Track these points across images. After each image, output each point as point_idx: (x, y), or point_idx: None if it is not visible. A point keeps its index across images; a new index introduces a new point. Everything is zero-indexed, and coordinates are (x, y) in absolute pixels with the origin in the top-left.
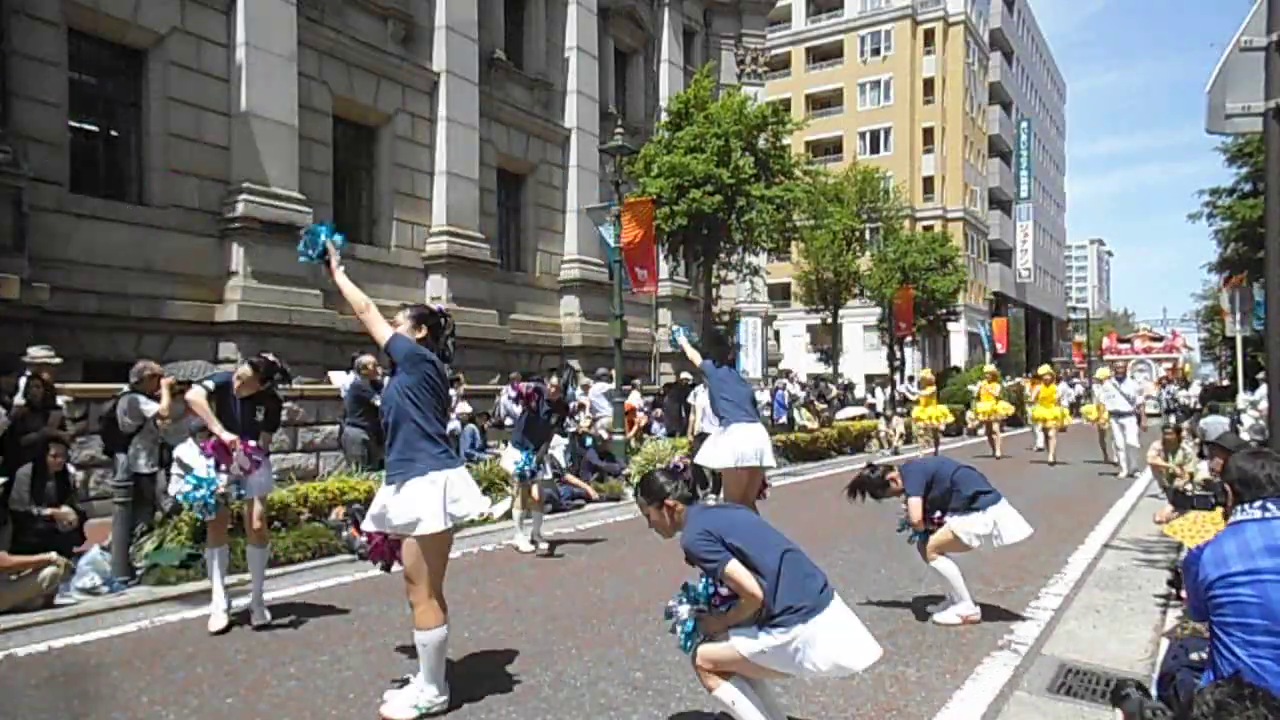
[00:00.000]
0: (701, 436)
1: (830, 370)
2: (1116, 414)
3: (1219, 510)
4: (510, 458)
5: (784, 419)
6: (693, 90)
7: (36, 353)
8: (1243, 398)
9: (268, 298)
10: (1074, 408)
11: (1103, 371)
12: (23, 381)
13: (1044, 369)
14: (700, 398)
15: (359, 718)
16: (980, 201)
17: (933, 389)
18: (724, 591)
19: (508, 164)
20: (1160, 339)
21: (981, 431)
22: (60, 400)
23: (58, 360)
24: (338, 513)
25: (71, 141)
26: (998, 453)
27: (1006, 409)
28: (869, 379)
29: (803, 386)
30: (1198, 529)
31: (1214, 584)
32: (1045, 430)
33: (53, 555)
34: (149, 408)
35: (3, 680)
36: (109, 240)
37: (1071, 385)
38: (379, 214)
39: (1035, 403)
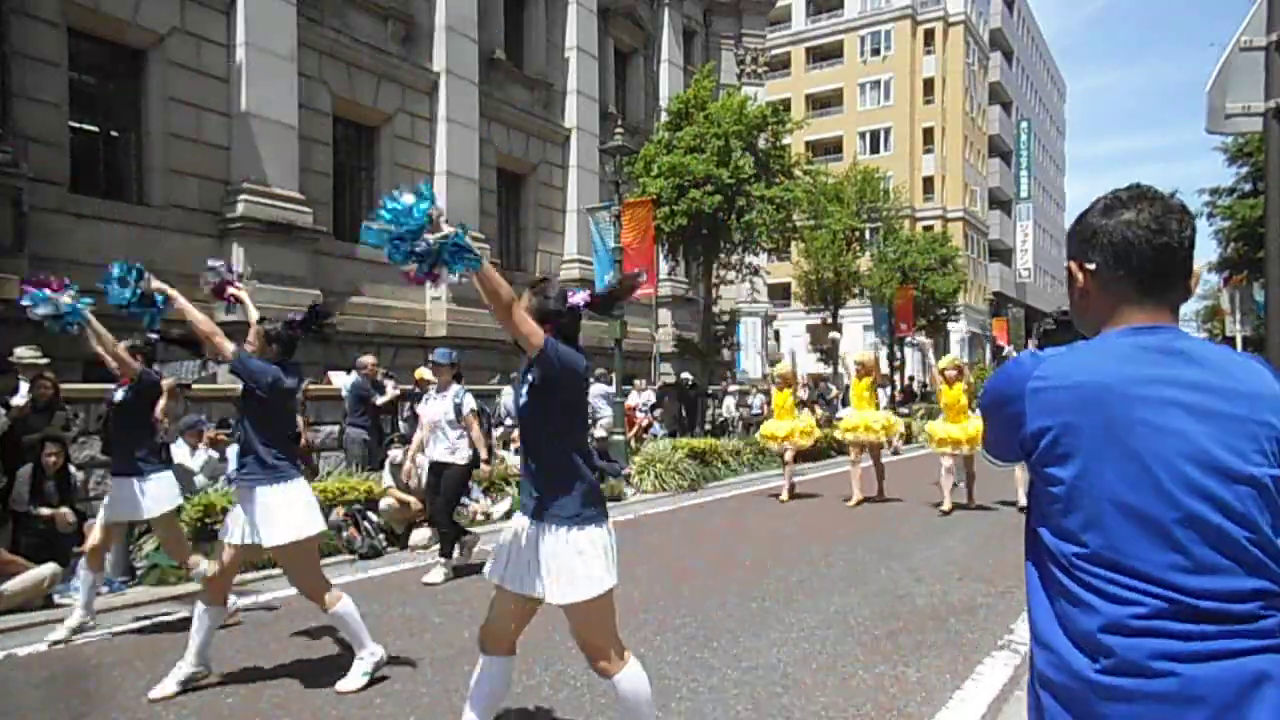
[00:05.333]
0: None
1: (830, 370)
2: None
3: None
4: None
5: None
6: (693, 90)
7: (23, 353)
8: None
9: (268, 298)
10: None
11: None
12: (26, 383)
13: (947, 360)
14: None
15: (359, 718)
16: (980, 201)
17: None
18: None
19: (508, 164)
20: None
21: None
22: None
23: (45, 360)
24: (338, 513)
25: (71, 141)
26: (856, 494)
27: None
28: None
29: (803, 386)
30: None
31: None
32: (952, 456)
33: (52, 566)
34: None
35: (3, 680)
36: (109, 240)
37: None
38: None
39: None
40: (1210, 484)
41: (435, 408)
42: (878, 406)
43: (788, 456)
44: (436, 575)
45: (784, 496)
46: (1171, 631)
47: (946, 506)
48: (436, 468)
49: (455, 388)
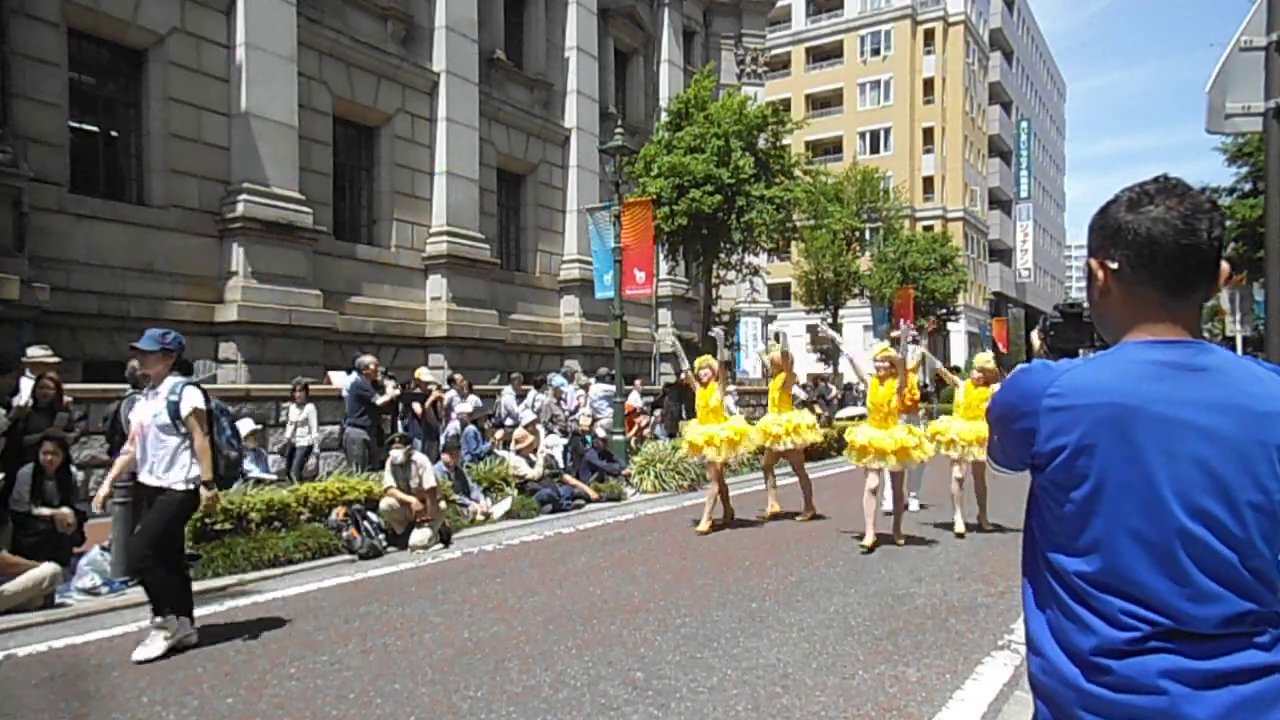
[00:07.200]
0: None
1: (830, 370)
2: None
3: None
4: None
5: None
6: (693, 90)
7: (35, 353)
8: None
9: (267, 298)
10: None
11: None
12: (27, 382)
13: (880, 348)
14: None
15: (359, 718)
16: (980, 201)
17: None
18: None
19: (508, 164)
20: None
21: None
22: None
23: (56, 360)
24: (338, 513)
25: (71, 141)
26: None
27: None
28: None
29: (803, 387)
30: None
31: None
32: (877, 470)
33: (53, 566)
34: None
35: (3, 680)
36: (109, 240)
37: None
38: (379, 214)
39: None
40: (1217, 510)
41: (144, 410)
42: (793, 407)
43: (710, 474)
44: (154, 647)
45: (703, 525)
46: (1166, 652)
47: (868, 541)
48: (148, 493)
49: (172, 381)
